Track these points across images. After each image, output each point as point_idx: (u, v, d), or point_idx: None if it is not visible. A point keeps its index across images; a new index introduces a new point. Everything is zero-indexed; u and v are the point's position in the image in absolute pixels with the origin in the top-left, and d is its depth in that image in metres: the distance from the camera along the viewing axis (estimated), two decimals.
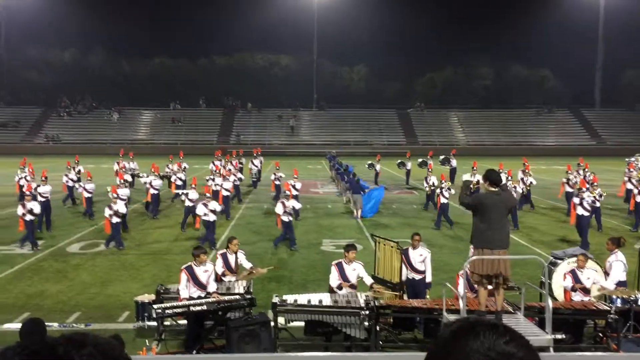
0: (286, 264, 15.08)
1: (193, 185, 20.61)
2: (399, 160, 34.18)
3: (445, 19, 74.00)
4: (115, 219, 16.70)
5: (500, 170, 24.02)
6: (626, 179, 24.55)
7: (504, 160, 32.35)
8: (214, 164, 28.61)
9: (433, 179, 23.47)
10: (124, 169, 27.87)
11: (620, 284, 10.28)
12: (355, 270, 9.94)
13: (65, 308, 11.66)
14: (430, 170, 25.22)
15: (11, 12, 69.66)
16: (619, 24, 67.93)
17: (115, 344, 1.12)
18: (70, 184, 24.27)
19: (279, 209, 17.30)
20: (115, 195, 17.84)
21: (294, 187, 21.45)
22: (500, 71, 78.25)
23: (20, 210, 16.78)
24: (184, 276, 9.38)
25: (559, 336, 8.67)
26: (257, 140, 60.83)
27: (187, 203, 19.53)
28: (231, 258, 10.92)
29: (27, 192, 17.91)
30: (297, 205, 18.03)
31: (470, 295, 8.80)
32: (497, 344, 1.19)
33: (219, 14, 71.99)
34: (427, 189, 23.43)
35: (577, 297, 9.87)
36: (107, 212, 16.75)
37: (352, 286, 9.90)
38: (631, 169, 26.17)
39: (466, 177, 9.55)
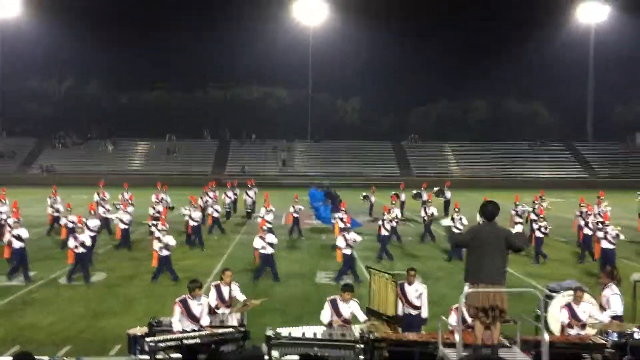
0: (280, 297, 14.96)
1: (164, 216, 20.56)
2: (393, 192, 34.23)
3: (440, 53, 75.04)
4: (165, 252, 16.54)
5: (517, 203, 23.98)
6: None
7: (499, 193, 32.50)
8: (207, 195, 28.58)
9: (432, 210, 23.89)
10: (104, 199, 27.70)
11: (616, 317, 10.23)
12: (350, 309, 9.87)
13: (57, 341, 11.50)
14: (429, 200, 25.60)
15: (7, 43, 70.24)
16: (609, 60, 69.19)
17: None
18: (107, 215, 23.83)
19: (340, 242, 17.01)
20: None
21: (341, 219, 21.02)
22: (494, 105, 79.18)
23: (72, 243, 16.50)
24: (177, 309, 9.29)
25: None
26: (251, 172, 60.94)
27: (157, 234, 19.28)
28: (225, 290, 10.84)
29: (79, 225, 17.39)
30: (358, 238, 17.78)
31: (466, 329, 8.74)
32: None
33: (215, 47, 72.75)
34: (427, 218, 23.70)
35: (574, 330, 9.82)
36: (157, 245, 16.62)
37: (346, 321, 9.81)
38: None
39: (445, 222, 9.46)
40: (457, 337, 7.67)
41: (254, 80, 78.04)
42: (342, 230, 17.99)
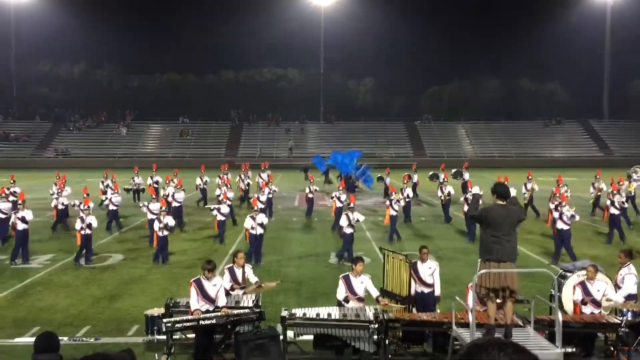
0: (294, 277, 15.08)
1: (153, 196, 20.82)
2: (405, 173, 34.22)
3: (453, 31, 74.36)
4: (165, 232, 16.73)
5: (622, 183, 23.74)
6: None
7: (511, 172, 32.34)
8: (219, 178, 28.77)
9: (449, 189, 23.82)
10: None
11: (631, 297, 10.21)
12: (363, 283, 9.94)
13: (75, 322, 11.70)
14: (445, 180, 25.40)
15: (22, 27, 70.53)
16: (626, 36, 68.04)
17: None
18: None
19: (343, 221, 17.13)
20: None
21: (338, 199, 21.30)
22: (508, 84, 78.38)
23: (78, 225, 16.71)
24: (193, 290, 9.40)
25: (569, 350, 8.63)
26: (264, 154, 61.08)
27: (150, 216, 19.33)
28: (238, 272, 10.94)
29: (85, 206, 17.36)
30: (361, 218, 17.86)
31: (480, 309, 8.77)
32: None
33: (227, 29, 72.59)
34: (443, 199, 23.68)
35: (588, 309, 9.80)
36: (156, 225, 16.78)
37: (360, 299, 9.88)
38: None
39: (476, 189, 9.51)
40: (470, 317, 7.71)
41: (267, 61, 77.87)
42: (345, 209, 18.00)
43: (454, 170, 32.45)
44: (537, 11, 70.59)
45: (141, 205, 21.22)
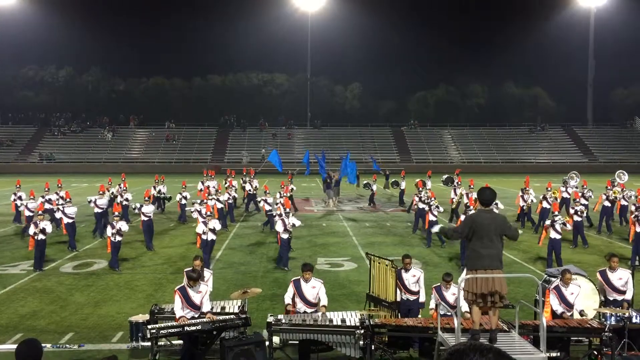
0: (281, 283, 15.03)
1: (146, 198, 20.87)
2: (393, 180, 34.35)
3: (439, 38, 74.95)
4: (118, 238, 16.61)
5: (550, 189, 23.69)
6: None
7: (498, 177, 32.61)
8: (202, 184, 28.62)
9: (461, 190, 24.32)
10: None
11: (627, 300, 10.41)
12: (315, 288, 9.93)
13: (59, 329, 11.57)
14: (459, 183, 25.78)
15: (6, 31, 69.91)
16: (609, 44, 69.01)
17: None
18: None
19: (279, 226, 17.07)
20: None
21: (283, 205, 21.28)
22: (493, 90, 79.06)
23: (32, 230, 16.60)
24: (177, 298, 9.33)
25: (553, 354, 8.67)
26: (251, 159, 61.00)
27: (144, 218, 19.65)
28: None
29: (40, 212, 17.32)
30: (297, 223, 17.80)
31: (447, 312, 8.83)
32: None
33: (215, 34, 72.56)
34: (455, 201, 23.80)
35: (561, 311, 9.87)
36: (110, 231, 16.68)
37: (311, 305, 9.83)
38: None
39: (435, 229, 9.13)
40: (455, 322, 7.72)
41: (254, 66, 77.90)
42: (281, 215, 17.91)
43: (444, 177, 32.49)
44: (523, 18, 71.37)
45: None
